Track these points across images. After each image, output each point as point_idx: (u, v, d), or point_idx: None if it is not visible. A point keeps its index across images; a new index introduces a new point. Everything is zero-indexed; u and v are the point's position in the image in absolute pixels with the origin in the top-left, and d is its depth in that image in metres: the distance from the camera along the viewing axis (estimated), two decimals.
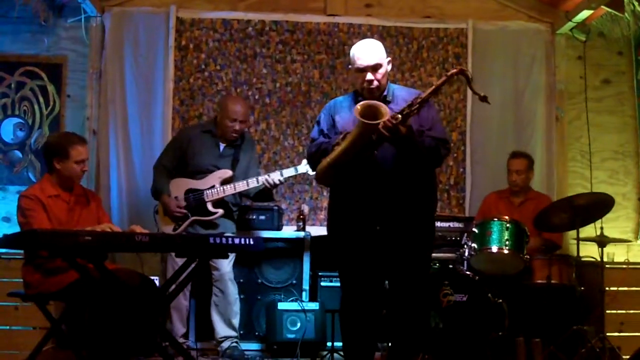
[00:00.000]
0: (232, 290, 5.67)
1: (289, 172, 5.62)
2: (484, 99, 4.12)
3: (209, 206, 5.56)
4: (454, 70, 4.16)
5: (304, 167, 5.58)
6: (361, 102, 4.14)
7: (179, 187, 5.64)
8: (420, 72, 6.62)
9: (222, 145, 5.74)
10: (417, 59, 6.64)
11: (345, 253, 4.37)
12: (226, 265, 5.60)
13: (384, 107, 4.10)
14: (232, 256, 5.64)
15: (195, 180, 5.62)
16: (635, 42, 6.73)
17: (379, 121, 4.02)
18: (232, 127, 5.64)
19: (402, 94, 4.36)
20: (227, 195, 5.58)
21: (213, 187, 5.57)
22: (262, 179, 5.54)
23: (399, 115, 4.06)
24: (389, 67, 4.39)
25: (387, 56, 4.38)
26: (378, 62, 4.30)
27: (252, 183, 5.54)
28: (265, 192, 5.68)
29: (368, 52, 4.31)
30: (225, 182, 5.58)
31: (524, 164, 5.98)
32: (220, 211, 5.57)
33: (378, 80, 4.29)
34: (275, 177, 5.56)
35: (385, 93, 4.36)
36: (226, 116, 5.65)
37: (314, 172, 4.48)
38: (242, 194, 5.74)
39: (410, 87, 6.47)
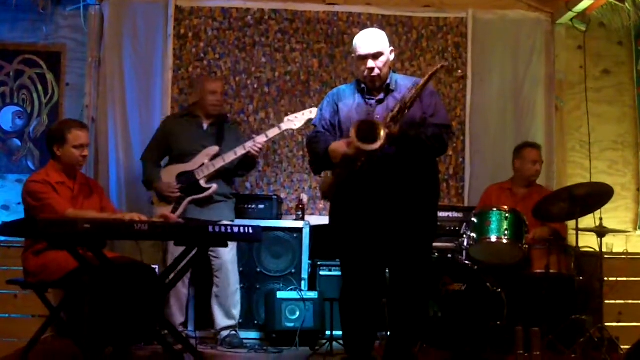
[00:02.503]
0: (233, 280, 5.68)
1: (273, 131, 5.68)
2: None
3: (202, 182, 5.59)
4: (437, 67, 4.24)
5: (286, 124, 5.66)
6: (353, 125, 4.14)
7: (170, 173, 5.67)
8: (420, 61, 6.60)
9: (205, 125, 5.78)
10: (416, 48, 6.62)
11: (347, 241, 4.38)
12: (227, 254, 5.61)
13: (377, 122, 4.13)
14: (233, 245, 5.66)
15: (184, 164, 5.66)
16: (636, 33, 6.72)
17: (378, 146, 4.05)
18: (213, 99, 5.72)
19: (405, 83, 4.37)
20: (217, 169, 5.60)
21: (203, 164, 5.61)
22: (249, 144, 5.58)
23: (392, 124, 4.11)
24: (392, 57, 4.43)
25: (390, 45, 4.41)
26: (379, 50, 4.33)
27: (240, 151, 5.58)
28: (248, 161, 5.70)
29: (369, 41, 4.36)
30: (213, 158, 5.62)
31: (539, 154, 5.98)
32: (214, 186, 5.59)
33: (379, 69, 4.33)
34: (261, 139, 5.61)
35: (388, 82, 4.39)
36: (205, 91, 5.75)
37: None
38: (227, 173, 5.76)
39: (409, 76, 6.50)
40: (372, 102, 4.39)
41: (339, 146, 4.25)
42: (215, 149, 5.65)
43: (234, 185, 6.08)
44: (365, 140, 4.07)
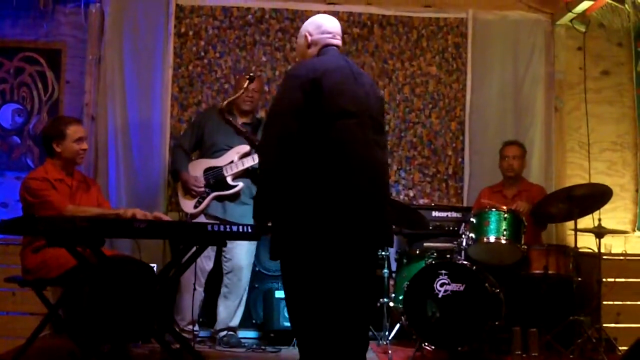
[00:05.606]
0: (245, 283, 5.68)
1: None
2: None
3: (229, 180, 5.58)
4: None
5: None
6: None
7: (198, 167, 5.68)
8: (419, 61, 6.60)
9: (239, 123, 5.73)
10: (416, 48, 6.63)
11: None
12: (242, 258, 5.62)
13: None
14: (250, 249, 5.67)
15: (213, 159, 5.65)
16: (635, 34, 6.72)
17: None
18: (246, 94, 5.61)
19: None
20: (245, 167, 5.58)
21: (232, 162, 5.60)
22: None
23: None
24: (303, 42, 4.10)
25: (304, 34, 4.12)
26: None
27: None
28: None
29: None
30: (243, 156, 5.60)
31: (519, 150, 6.03)
32: (241, 184, 5.57)
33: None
34: None
35: None
36: (239, 87, 5.64)
37: None
38: (256, 174, 5.70)
39: (409, 76, 6.53)
40: None
41: None
42: (245, 147, 5.60)
43: None
44: None
